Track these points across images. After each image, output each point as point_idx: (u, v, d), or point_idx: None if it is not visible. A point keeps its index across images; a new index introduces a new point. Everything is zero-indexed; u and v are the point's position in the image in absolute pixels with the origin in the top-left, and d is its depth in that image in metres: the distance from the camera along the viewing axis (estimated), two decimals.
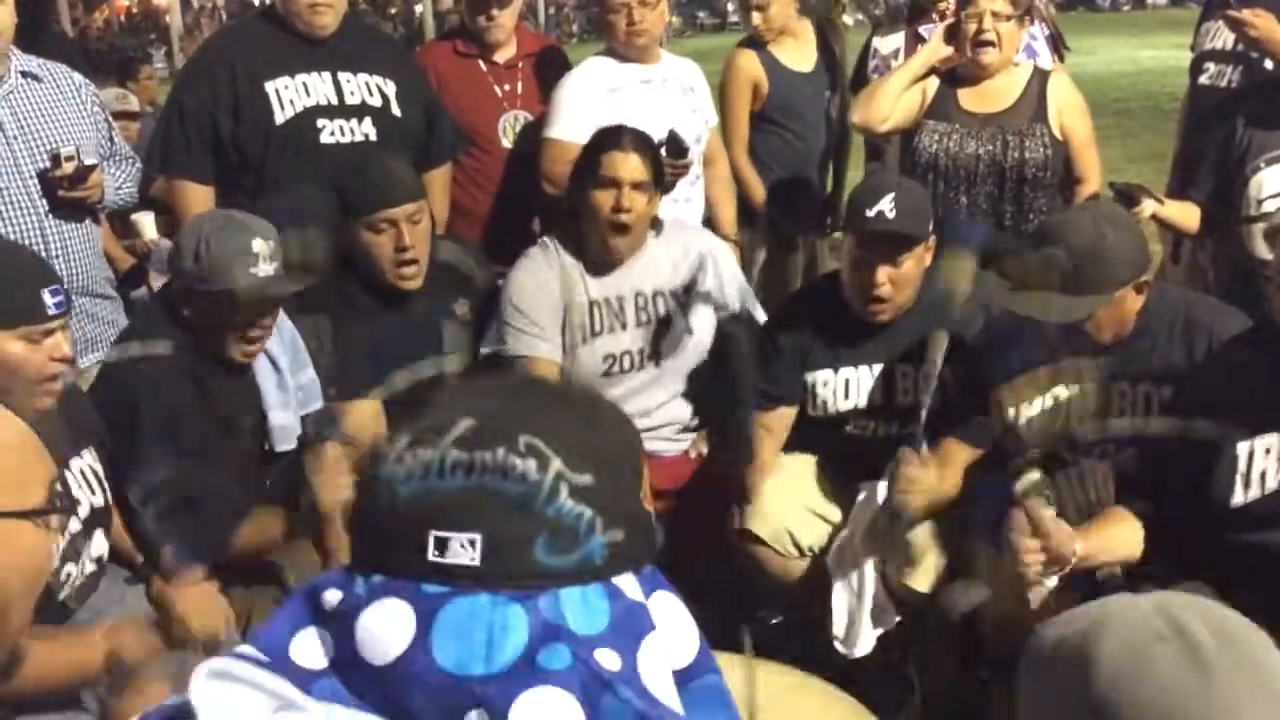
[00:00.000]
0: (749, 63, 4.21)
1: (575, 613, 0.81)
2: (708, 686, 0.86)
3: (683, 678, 0.85)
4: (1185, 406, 2.43)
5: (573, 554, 0.81)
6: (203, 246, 2.52)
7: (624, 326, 3.16)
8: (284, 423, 2.77)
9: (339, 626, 0.82)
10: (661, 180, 3.14)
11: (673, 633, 0.85)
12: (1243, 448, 2.27)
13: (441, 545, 0.80)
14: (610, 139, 3.06)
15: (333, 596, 0.82)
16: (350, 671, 0.81)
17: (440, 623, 0.80)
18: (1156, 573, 2.25)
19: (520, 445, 0.82)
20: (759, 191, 4.22)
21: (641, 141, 3.07)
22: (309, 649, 0.83)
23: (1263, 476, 2.27)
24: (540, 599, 0.80)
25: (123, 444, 2.51)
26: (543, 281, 3.07)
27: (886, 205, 2.74)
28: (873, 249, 2.79)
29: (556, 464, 0.82)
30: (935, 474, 2.72)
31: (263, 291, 2.55)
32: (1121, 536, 2.38)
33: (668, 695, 0.82)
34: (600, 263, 3.12)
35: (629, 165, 3.00)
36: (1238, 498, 2.29)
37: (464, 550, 0.80)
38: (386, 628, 0.80)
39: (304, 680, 0.81)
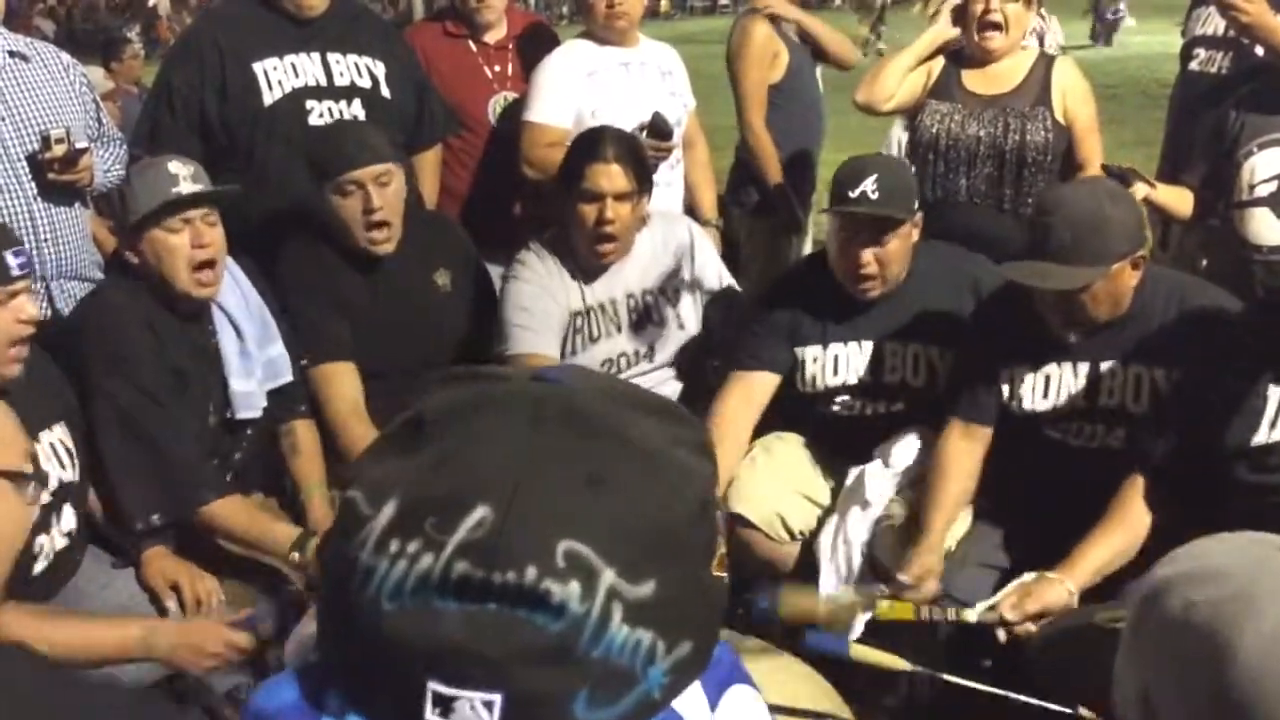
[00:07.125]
0: (768, 32, 4.04)
1: None
2: None
3: None
4: (1216, 351, 2.47)
5: (625, 699, 0.62)
6: (129, 188, 2.65)
7: (619, 329, 3.16)
8: (246, 389, 2.76)
9: None
10: (648, 182, 3.10)
11: None
12: (1274, 391, 2.35)
13: (444, 706, 0.60)
14: (591, 150, 3.00)
15: None
16: None
17: None
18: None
19: (558, 558, 0.60)
20: (777, 170, 4.06)
21: (624, 148, 3.02)
22: None
23: None
24: None
25: (82, 388, 2.52)
26: (546, 285, 3.06)
27: (869, 186, 2.74)
28: (856, 230, 2.79)
29: (608, 578, 0.61)
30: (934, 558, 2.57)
31: (187, 196, 2.59)
32: (1114, 546, 2.41)
33: None
34: (590, 269, 3.11)
35: (610, 176, 2.97)
36: (1260, 437, 2.36)
37: (476, 715, 0.60)
38: None
39: None
